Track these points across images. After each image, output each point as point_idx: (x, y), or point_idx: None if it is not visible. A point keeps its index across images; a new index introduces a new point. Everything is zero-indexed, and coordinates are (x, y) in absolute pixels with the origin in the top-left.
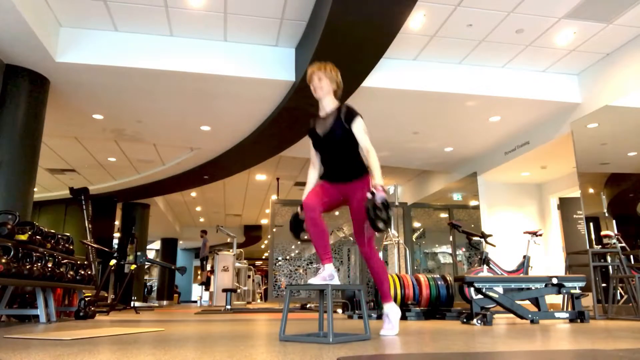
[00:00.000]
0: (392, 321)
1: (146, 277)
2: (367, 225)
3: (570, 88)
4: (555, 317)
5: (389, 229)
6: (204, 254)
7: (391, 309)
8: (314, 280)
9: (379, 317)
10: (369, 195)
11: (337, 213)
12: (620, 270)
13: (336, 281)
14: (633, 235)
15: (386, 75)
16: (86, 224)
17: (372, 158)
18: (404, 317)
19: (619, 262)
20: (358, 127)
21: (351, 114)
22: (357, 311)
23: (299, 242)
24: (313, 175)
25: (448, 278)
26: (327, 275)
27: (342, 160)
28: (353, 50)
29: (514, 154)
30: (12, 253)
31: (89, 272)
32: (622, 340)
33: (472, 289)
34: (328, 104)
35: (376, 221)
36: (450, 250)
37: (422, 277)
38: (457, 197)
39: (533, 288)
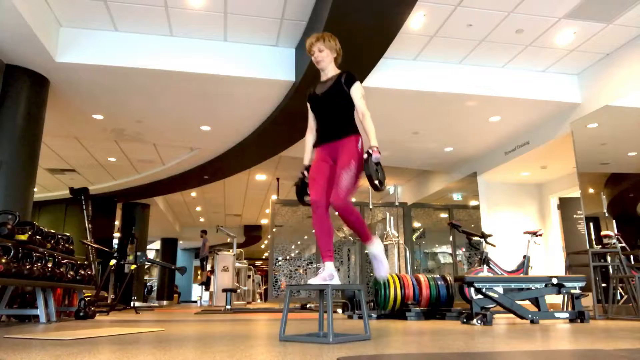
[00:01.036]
0: (379, 259)
1: (146, 277)
2: (347, 176)
3: (570, 88)
4: (555, 317)
5: (384, 187)
6: (203, 254)
7: (375, 246)
8: (314, 280)
9: (379, 317)
10: (365, 155)
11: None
12: (620, 270)
13: (336, 281)
14: (633, 235)
15: (386, 75)
16: (86, 224)
17: (367, 121)
18: (404, 317)
19: (619, 262)
20: (356, 91)
21: (351, 78)
22: (357, 311)
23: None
24: (310, 139)
25: (448, 278)
26: (327, 275)
27: (336, 119)
28: (353, 50)
29: (514, 154)
30: (12, 253)
31: (89, 272)
32: (622, 340)
33: (472, 289)
34: (330, 70)
35: (374, 180)
36: (450, 250)
37: (422, 277)
38: (457, 197)
39: (533, 288)
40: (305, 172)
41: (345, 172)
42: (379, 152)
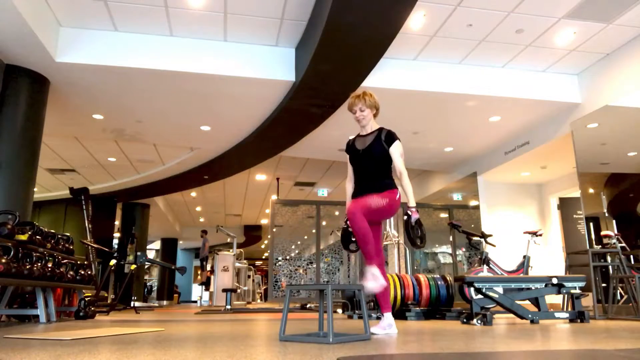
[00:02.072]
0: (376, 276)
1: (146, 277)
2: (376, 200)
3: (570, 88)
4: (555, 317)
5: (422, 244)
6: (203, 254)
7: (376, 269)
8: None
9: (379, 317)
10: (405, 217)
11: (337, 213)
12: (620, 270)
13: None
14: (633, 235)
15: (386, 75)
16: (86, 224)
17: (405, 180)
18: (404, 317)
19: (619, 262)
20: (396, 150)
21: (391, 137)
22: (357, 311)
23: (347, 253)
24: (350, 187)
25: (448, 278)
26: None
27: (374, 175)
28: (353, 50)
29: (514, 154)
30: (12, 253)
31: (89, 272)
32: (622, 340)
33: (472, 289)
34: (370, 126)
35: (414, 239)
36: (450, 250)
37: (422, 277)
38: (457, 197)
39: (533, 288)
40: (346, 223)
41: (376, 196)
42: (417, 213)
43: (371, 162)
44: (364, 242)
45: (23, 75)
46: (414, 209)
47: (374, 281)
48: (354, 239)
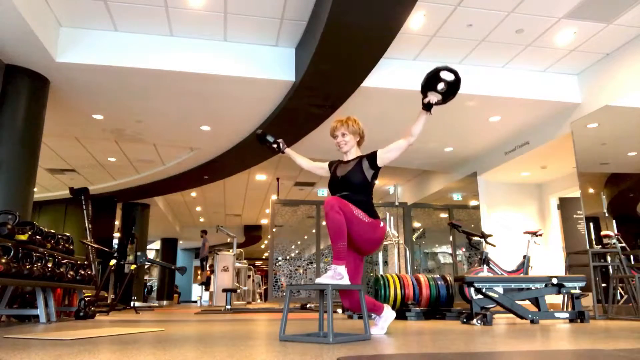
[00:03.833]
0: (335, 276)
1: (146, 277)
2: (357, 215)
3: (570, 88)
4: (555, 317)
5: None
6: (203, 254)
7: (342, 269)
8: (322, 280)
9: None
10: (426, 99)
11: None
12: (620, 270)
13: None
14: (633, 235)
15: (386, 75)
16: (86, 224)
17: (414, 126)
18: (404, 317)
19: (619, 262)
20: (384, 150)
21: (373, 156)
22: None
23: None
24: (304, 161)
25: (448, 278)
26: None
27: (349, 198)
28: (353, 50)
29: (514, 154)
30: (12, 253)
31: (89, 272)
32: (622, 340)
33: (472, 289)
34: (352, 153)
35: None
36: (450, 250)
37: (422, 277)
38: (457, 197)
39: (533, 288)
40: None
41: (361, 212)
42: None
43: (349, 190)
44: (339, 236)
45: (23, 75)
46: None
47: (334, 279)
48: (270, 140)
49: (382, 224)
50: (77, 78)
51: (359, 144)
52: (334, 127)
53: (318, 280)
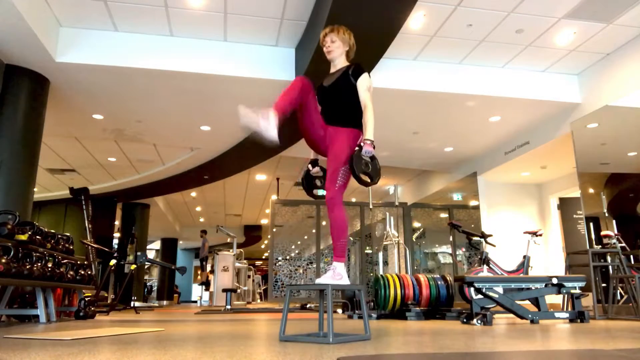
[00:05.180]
0: (336, 272)
1: (146, 277)
2: (341, 173)
3: (570, 88)
4: (555, 317)
5: (373, 182)
6: (203, 254)
7: (342, 267)
8: (321, 280)
9: (379, 317)
10: (356, 148)
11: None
12: (620, 270)
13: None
14: (633, 235)
15: (386, 75)
16: (86, 224)
17: (368, 113)
18: (404, 317)
19: (619, 262)
20: (363, 83)
21: (359, 70)
22: (357, 311)
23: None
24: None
25: (448, 278)
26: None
27: (339, 108)
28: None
29: (514, 154)
30: (12, 253)
31: (89, 272)
32: (622, 340)
33: (472, 289)
34: (339, 62)
35: (359, 174)
36: (450, 250)
37: (422, 277)
38: (457, 197)
39: (533, 288)
40: (310, 166)
41: (338, 165)
42: (373, 147)
43: (337, 97)
44: (341, 233)
45: (23, 75)
46: (369, 142)
47: (333, 279)
48: (318, 184)
49: (359, 136)
50: (77, 78)
51: (347, 55)
52: (324, 34)
53: (318, 281)
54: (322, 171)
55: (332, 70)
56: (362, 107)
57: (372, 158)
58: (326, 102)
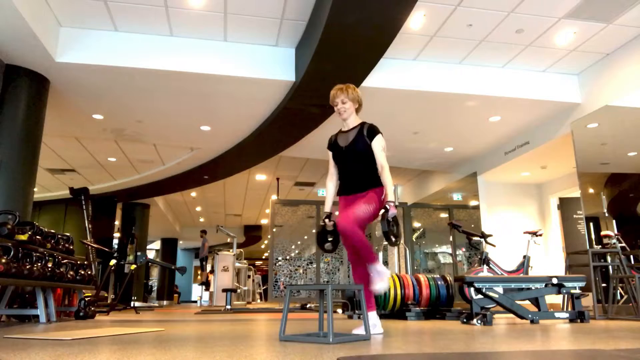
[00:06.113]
0: (382, 275)
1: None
2: (364, 207)
3: (570, 88)
4: (555, 317)
5: (399, 241)
6: (203, 254)
7: (381, 265)
8: (380, 287)
9: (379, 317)
10: (382, 210)
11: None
12: (620, 270)
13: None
14: (633, 235)
15: (386, 75)
16: (86, 224)
17: (386, 175)
18: (404, 317)
19: (619, 262)
20: (377, 144)
21: (373, 131)
22: (357, 311)
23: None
24: (331, 186)
25: (448, 278)
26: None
27: (360, 172)
28: (353, 50)
29: (514, 154)
30: (12, 253)
31: (89, 272)
32: (622, 340)
33: (472, 289)
34: (352, 121)
35: (390, 236)
36: (450, 250)
37: (422, 277)
38: (457, 197)
39: (533, 288)
40: (327, 220)
41: (363, 204)
42: (395, 208)
43: (355, 159)
44: (367, 252)
45: (23, 75)
46: (392, 204)
47: (381, 281)
48: (330, 239)
49: (383, 192)
50: (77, 78)
51: (357, 111)
52: (334, 95)
53: (376, 288)
54: (333, 225)
55: (345, 128)
56: (379, 167)
57: (395, 220)
58: (346, 166)
